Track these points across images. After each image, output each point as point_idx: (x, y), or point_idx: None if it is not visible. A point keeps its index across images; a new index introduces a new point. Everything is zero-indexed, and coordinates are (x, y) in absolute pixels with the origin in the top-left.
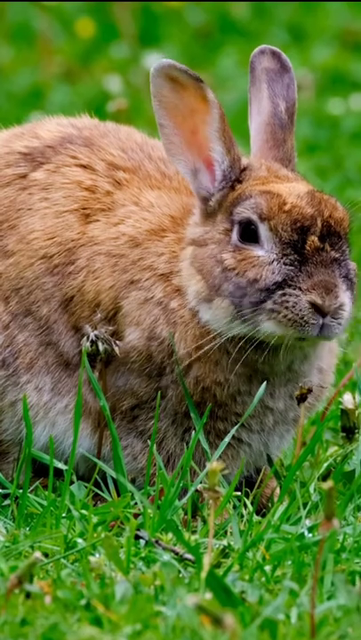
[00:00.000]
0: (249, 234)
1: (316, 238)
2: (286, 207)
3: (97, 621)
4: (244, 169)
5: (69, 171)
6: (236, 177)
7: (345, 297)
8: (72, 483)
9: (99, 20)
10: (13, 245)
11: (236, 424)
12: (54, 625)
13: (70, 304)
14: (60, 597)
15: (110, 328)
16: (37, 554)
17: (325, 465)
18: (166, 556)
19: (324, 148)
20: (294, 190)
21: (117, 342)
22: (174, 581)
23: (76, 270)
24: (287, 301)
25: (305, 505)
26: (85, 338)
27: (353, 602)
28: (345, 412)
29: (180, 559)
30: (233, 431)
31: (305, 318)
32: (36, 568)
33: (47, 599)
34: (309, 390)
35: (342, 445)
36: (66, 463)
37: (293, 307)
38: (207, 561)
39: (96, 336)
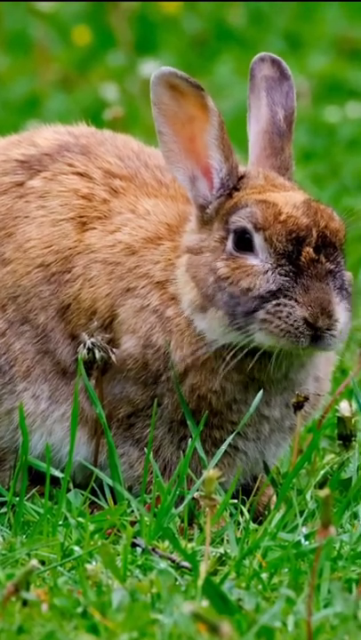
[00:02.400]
0: (244, 243)
1: (311, 249)
2: (282, 217)
3: (94, 629)
4: (242, 177)
5: (66, 179)
6: (233, 185)
7: (339, 311)
8: (69, 490)
9: (95, 28)
10: (10, 254)
11: (231, 432)
12: (51, 633)
13: (67, 312)
14: (56, 605)
15: (107, 336)
16: (34, 561)
17: (322, 472)
18: (163, 564)
19: (320, 155)
20: (291, 200)
21: (114, 350)
22: (171, 589)
23: (73, 278)
24: (281, 311)
25: (302, 512)
26: (82, 345)
27: (350, 609)
28: (342, 420)
29: (177, 567)
30: (229, 439)
31: (299, 329)
32: (32, 576)
33: (44, 607)
34: (306, 398)
35: (339, 453)
36: (62, 471)
37: (287, 317)
38: (204, 569)
39: (93, 344)
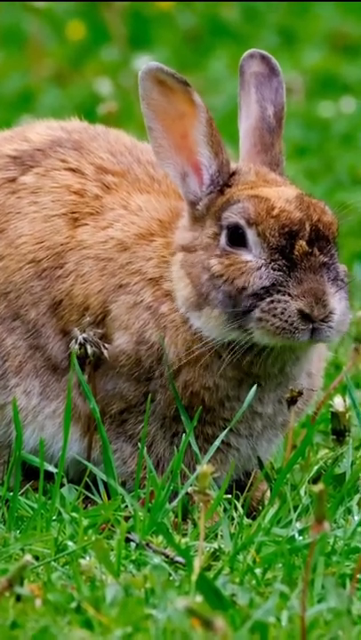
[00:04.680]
0: (237, 238)
1: (304, 243)
2: (274, 212)
3: (87, 624)
4: (233, 173)
5: (58, 174)
6: (224, 181)
7: (335, 301)
8: (62, 485)
9: (89, 23)
10: (2, 250)
11: (224, 429)
12: (45, 628)
13: (59, 308)
14: (50, 600)
15: (99, 331)
16: (28, 557)
17: (316, 468)
18: (157, 559)
19: (314, 150)
20: (283, 194)
21: (106, 345)
22: (165, 584)
23: (65, 274)
24: (275, 308)
25: (295, 508)
26: (74, 341)
27: (343, 604)
28: (335, 415)
29: (171, 562)
30: (222, 435)
31: (294, 324)
32: (26, 571)
33: (37, 602)
34: (300, 393)
35: (333, 448)
36: (56, 466)
37: (282, 313)
38: (198, 564)
39: (84, 339)
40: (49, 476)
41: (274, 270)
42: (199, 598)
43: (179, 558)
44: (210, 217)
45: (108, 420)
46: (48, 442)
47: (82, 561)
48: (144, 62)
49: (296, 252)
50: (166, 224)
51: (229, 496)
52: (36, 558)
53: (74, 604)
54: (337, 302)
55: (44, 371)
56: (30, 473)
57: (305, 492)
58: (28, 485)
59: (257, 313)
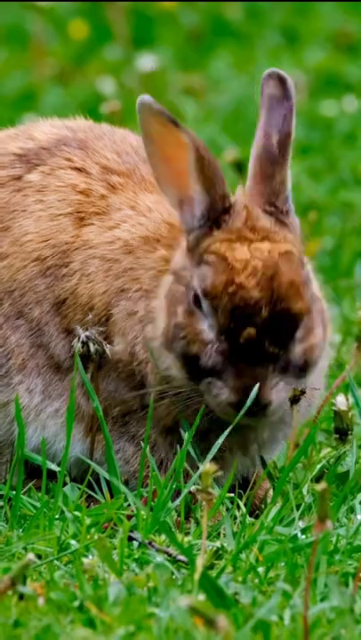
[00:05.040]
0: (198, 302)
1: (253, 331)
2: (230, 289)
3: (90, 623)
4: (228, 209)
5: (64, 173)
6: (216, 217)
7: (272, 394)
8: (65, 484)
9: (92, 22)
10: (7, 248)
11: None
12: (47, 626)
13: (62, 307)
14: (53, 599)
15: (101, 329)
16: (30, 555)
17: (319, 466)
18: (159, 558)
19: (317, 149)
20: (253, 261)
21: (107, 344)
22: (167, 583)
23: (70, 273)
24: (211, 390)
25: (298, 506)
26: (76, 339)
27: (346, 603)
28: (338, 414)
29: (174, 561)
30: (220, 440)
31: (225, 411)
32: (29, 570)
33: (40, 601)
34: (302, 392)
35: (336, 447)
36: (58, 465)
37: (215, 397)
38: (200, 562)
39: (87, 337)
40: (51, 475)
41: (217, 353)
42: (202, 597)
43: (181, 557)
44: (196, 255)
45: (111, 421)
46: (50, 441)
47: (84, 560)
48: (147, 61)
49: (242, 340)
50: (177, 230)
51: (232, 495)
52: (39, 557)
53: (76, 603)
54: (274, 394)
55: (46, 369)
56: (33, 472)
57: (308, 491)
58: (30, 484)
59: (202, 386)
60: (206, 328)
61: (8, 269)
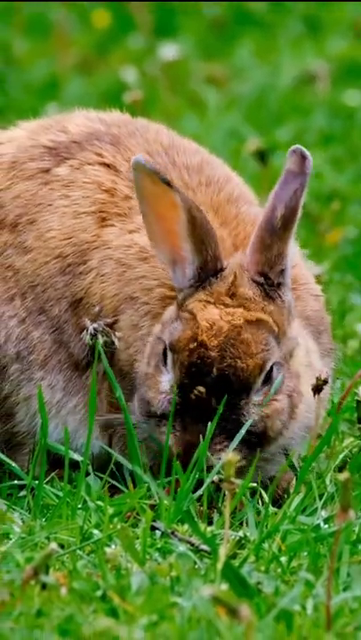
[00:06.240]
0: (165, 354)
1: (203, 389)
2: (191, 345)
3: (113, 612)
4: (219, 271)
5: (91, 169)
6: (206, 278)
7: (215, 457)
8: (88, 474)
9: (114, 11)
10: (32, 242)
11: None
12: (70, 616)
13: (79, 306)
14: (75, 588)
15: (108, 320)
16: (53, 545)
17: (341, 456)
18: (182, 547)
19: (339, 139)
20: (219, 323)
21: (116, 334)
22: (190, 572)
23: (86, 271)
24: (163, 433)
25: (321, 496)
26: (85, 331)
27: None
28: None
29: (196, 550)
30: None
31: (174, 455)
32: (51, 559)
33: (63, 590)
34: (325, 381)
35: (358, 437)
36: (80, 456)
37: (169, 442)
38: (223, 552)
39: (95, 329)
40: (74, 466)
41: (169, 403)
42: (224, 586)
43: (204, 546)
44: (181, 312)
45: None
46: (71, 436)
47: (107, 549)
48: (170, 50)
49: (192, 396)
50: None
51: (255, 484)
52: (62, 546)
53: (99, 593)
54: (217, 461)
55: (67, 366)
56: (54, 464)
57: (330, 481)
58: (53, 474)
59: (153, 424)
60: (165, 380)
61: (32, 263)
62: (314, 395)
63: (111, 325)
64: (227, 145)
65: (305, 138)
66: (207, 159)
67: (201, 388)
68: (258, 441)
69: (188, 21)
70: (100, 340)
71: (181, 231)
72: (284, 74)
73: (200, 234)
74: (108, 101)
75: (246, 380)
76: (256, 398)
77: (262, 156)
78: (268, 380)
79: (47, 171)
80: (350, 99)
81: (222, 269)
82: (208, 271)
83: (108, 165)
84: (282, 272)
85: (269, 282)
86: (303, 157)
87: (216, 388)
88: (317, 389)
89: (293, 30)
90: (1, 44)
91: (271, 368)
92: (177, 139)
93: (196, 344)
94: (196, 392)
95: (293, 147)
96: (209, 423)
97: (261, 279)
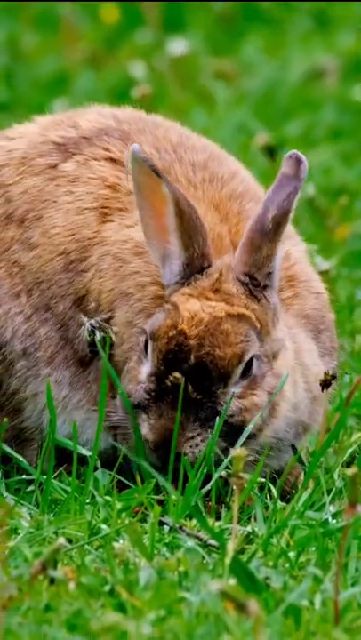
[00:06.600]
0: (146, 344)
1: (179, 375)
2: (171, 333)
3: (121, 607)
4: (207, 267)
5: (97, 164)
6: (193, 273)
7: (187, 448)
8: (96, 469)
9: (123, 6)
10: (37, 238)
11: None
12: (78, 611)
13: (82, 304)
14: (84, 583)
15: (104, 316)
16: (61, 540)
17: (350, 451)
18: (190, 542)
19: (348, 133)
20: (200, 314)
21: (113, 328)
22: (198, 567)
23: (87, 268)
24: (140, 424)
25: (329, 491)
26: (83, 327)
27: None
28: None
29: (204, 545)
30: (243, 437)
31: (147, 446)
32: (60, 554)
33: (71, 585)
34: (333, 377)
35: None
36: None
37: (140, 428)
38: (231, 547)
39: (92, 325)
40: (82, 461)
41: (145, 392)
42: (232, 581)
43: (212, 541)
44: (164, 304)
45: None
46: (77, 431)
47: (115, 544)
48: (178, 45)
49: (168, 382)
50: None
51: (263, 480)
52: (70, 541)
53: (107, 588)
54: (188, 447)
55: (73, 362)
56: (62, 459)
57: (338, 476)
58: (61, 469)
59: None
60: (143, 369)
61: (37, 260)
62: (322, 390)
63: (107, 321)
64: (235, 140)
65: (314, 133)
66: (215, 155)
67: (177, 374)
68: (236, 435)
69: (196, 16)
70: (98, 335)
71: (170, 224)
72: (293, 69)
73: (188, 228)
74: (117, 97)
75: (224, 369)
76: (235, 390)
77: (271, 151)
78: (248, 372)
79: (54, 166)
80: (359, 94)
81: (209, 267)
82: (194, 268)
83: (114, 160)
84: (269, 275)
85: (255, 282)
86: (299, 162)
87: (193, 376)
88: (325, 384)
89: (302, 25)
90: (9, 39)
91: (251, 361)
92: (188, 136)
93: (175, 332)
94: (172, 378)
95: (290, 152)
96: (184, 413)
97: (247, 279)
